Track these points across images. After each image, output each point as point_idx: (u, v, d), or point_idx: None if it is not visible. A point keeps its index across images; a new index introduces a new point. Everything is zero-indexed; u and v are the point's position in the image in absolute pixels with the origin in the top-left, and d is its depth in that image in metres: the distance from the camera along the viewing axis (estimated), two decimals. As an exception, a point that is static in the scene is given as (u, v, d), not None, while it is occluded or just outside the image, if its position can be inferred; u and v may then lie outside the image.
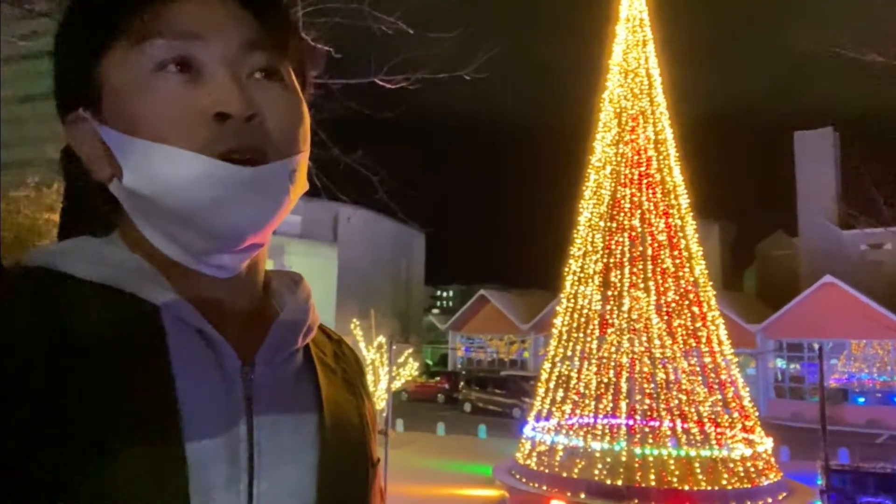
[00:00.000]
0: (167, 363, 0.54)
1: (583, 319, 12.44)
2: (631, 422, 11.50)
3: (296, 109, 0.60)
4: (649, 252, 12.22)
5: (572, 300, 12.67)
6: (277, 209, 0.57)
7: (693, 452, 10.97)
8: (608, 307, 12.35)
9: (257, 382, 0.58)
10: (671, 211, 12.42)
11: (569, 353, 12.42)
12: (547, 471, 11.60)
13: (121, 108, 0.56)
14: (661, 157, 12.65)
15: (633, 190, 12.54)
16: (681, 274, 12.13)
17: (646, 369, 11.82)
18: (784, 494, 11.25)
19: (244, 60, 0.57)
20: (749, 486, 10.86)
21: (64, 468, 0.47)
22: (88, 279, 0.56)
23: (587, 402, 11.91)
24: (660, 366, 11.82)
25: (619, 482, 10.76)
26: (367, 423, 0.69)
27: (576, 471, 11.24)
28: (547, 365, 12.70)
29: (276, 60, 0.59)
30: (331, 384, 0.66)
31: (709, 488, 10.66)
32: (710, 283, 12.45)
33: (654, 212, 12.39)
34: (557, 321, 12.85)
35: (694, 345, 11.89)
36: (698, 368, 11.82)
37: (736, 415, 11.65)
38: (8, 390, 0.48)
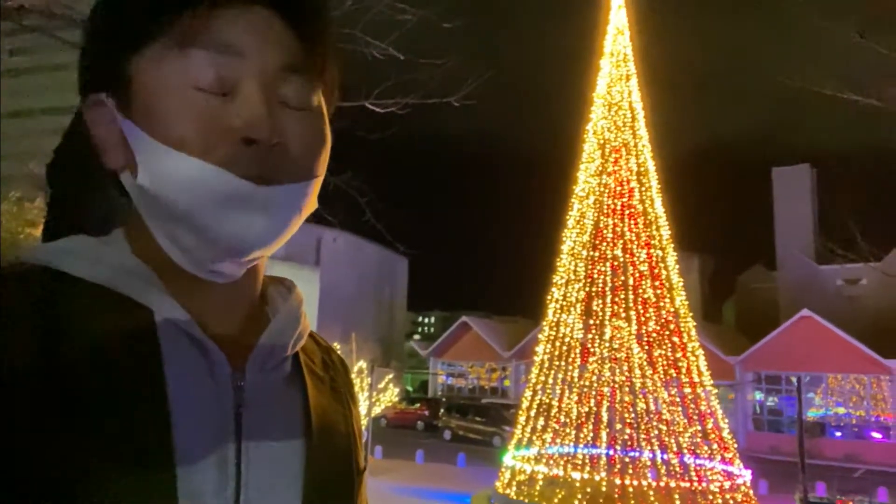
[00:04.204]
0: (160, 368, 0.54)
1: (564, 348, 12.43)
2: (611, 452, 11.45)
3: (319, 135, 0.60)
4: (631, 282, 12.30)
5: (554, 328, 12.68)
6: (285, 228, 0.58)
7: (673, 483, 10.93)
8: (590, 336, 12.37)
9: (247, 389, 0.59)
10: (653, 242, 12.53)
11: (550, 382, 12.38)
12: (527, 500, 11.48)
13: (150, 109, 0.55)
14: (643, 189, 12.81)
15: (616, 220, 12.66)
16: (662, 304, 12.20)
17: (626, 399, 11.82)
18: (762, 527, 11.22)
19: (278, 83, 0.57)
20: (728, 518, 10.83)
21: (58, 475, 0.47)
22: (85, 279, 0.56)
23: (568, 431, 11.85)
24: (640, 396, 11.82)
25: (599, 513, 10.67)
26: (354, 432, 0.70)
27: (556, 500, 11.13)
28: (528, 393, 12.65)
29: (309, 85, 0.59)
30: (319, 392, 0.67)
31: (688, 520, 10.60)
32: (691, 314, 12.54)
33: (636, 242, 12.50)
34: (539, 349, 12.83)
35: (674, 375, 11.92)
36: (678, 399, 11.84)
37: (715, 446, 11.64)
38: (5, 392, 0.48)
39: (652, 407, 11.78)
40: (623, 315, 12.16)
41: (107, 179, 0.61)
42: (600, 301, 12.30)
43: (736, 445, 12.07)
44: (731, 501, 11.03)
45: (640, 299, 12.19)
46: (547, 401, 12.24)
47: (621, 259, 12.40)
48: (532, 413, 12.26)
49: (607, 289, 12.32)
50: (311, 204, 0.61)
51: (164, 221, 0.57)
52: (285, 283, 0.71)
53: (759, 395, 28.62)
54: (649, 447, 11.41)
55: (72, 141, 0.63)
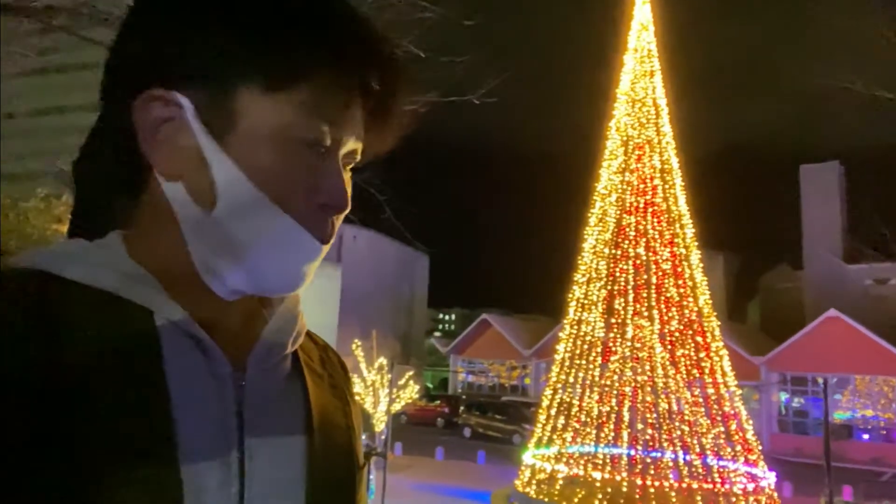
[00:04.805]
0: (161, 368, 0.54)
1: (585, 346, 12.36)
2: (632, 452, 11.36)
3: (349, 191, 0.64)
4: (654, 280, 12.18)
5: (575, 327, 12.61)
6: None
7: (695, 485, 10.82)
8: (611, 335, 12.28)
9: (248, 388, 0.60)
10: (676, 240, 12.40)
11: (571, 381, 12.32)
12: (546, 499, 11.44)
13: (254, 153, 0.57)
14: (666, 187, 12.68)
15: (639, 218, 12.54)
16: (685, 303, 12.08)
17: (648, 399, 11.72)
18: (787, 531, 11.07)
19: (348, 150, 0.62)
20: (751, 521, 10.69)
21: (63, 478, 0.47)
22: (82, 282, 0.56)
23: (588, 430, 11.79)
24: (662, 396, 11.71)
25: (620, 513, 10.60)
26: (354, 428, 0.71)
27: (575, 500, 11.09)
28: (548, 391, 12.60)
29: (360, 148, 0.64)
30: (318, 389, 0.68)
31: (710, 522, 10.49)
32: (715, 313, 12.38)
33: (659, 240, 12.38)
34: (560, 347, 12.78)
35: (697, 375, 11.79)
36: (701, 399, 11.71)
37: (739, 448, 11.50)
38: (7, 397, 0.47)
39: (674, 407, 11.67)
40: (645, 314, 12.05)
41: (130, 176, 0.60)
42: (622, 300, 12.20)
43: (760, 447, 11.90)
44: (755, 503, 10.90)
45: (662, 298, 12.07)
46: (567, 400, 12.18)
47: (644, 257, 12.28)
48: (552, 412, 12.22)
49: (629, 287, 12.22)
50: None
51: (215, 250, 0.59)
52: None
53: (784, 397, 28.22)
54: (671, 448, 11.31)
55: (98, 139, 0.63)
